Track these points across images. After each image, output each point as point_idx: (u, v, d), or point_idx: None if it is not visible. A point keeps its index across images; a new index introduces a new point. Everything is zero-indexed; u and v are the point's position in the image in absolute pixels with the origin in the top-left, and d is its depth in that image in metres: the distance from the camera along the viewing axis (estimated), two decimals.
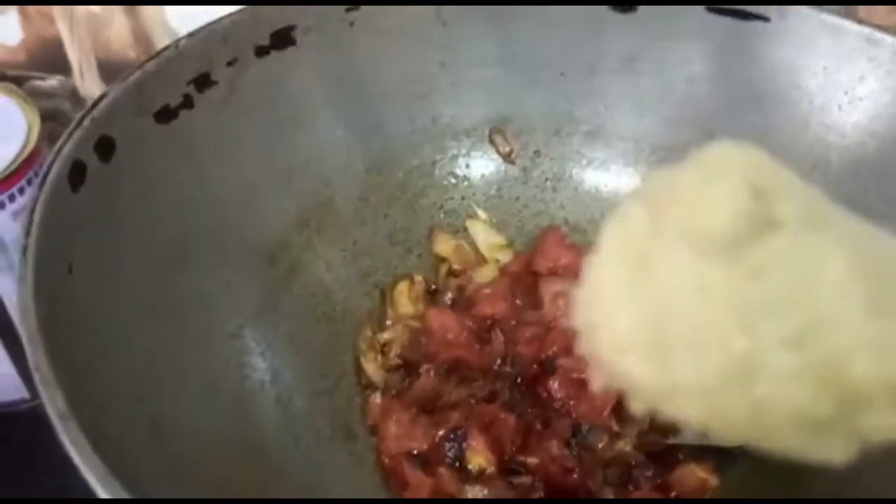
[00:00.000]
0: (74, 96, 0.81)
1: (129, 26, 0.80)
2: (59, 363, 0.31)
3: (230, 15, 0.52)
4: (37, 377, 0.30)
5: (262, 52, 0.53)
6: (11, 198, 0.51)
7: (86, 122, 0.41)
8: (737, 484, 0.48)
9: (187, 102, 0.49)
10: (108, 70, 0.80)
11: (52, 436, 0.60)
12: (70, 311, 0.36)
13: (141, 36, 0.80)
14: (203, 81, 0.50)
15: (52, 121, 0.57)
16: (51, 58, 0.80)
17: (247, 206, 0.52)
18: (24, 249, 0.34)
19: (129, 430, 0.31)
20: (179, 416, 0.39)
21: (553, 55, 0.60)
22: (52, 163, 0.39)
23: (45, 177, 0.38)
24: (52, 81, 0.82)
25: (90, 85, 0.82)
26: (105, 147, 0.42)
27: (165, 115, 0.47)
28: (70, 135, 0.40)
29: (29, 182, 0.52)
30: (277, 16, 0.53)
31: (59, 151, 0.39)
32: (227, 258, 0.50)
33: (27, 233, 0.35)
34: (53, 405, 0.30)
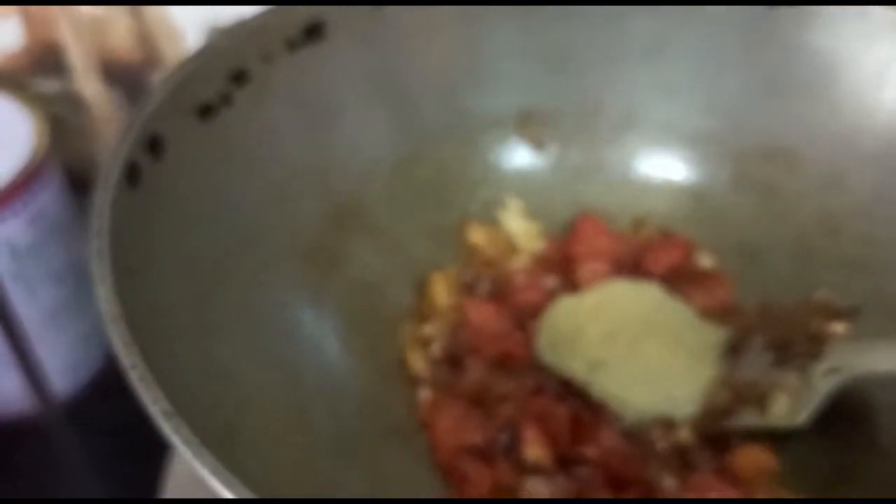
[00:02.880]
0: (77, 100, 0.80)
1: (132, 29, 0.78)
2: (150, 365, 0.30)
3: (261, 12, 0.51)
4: (134, 376, 0.29)
5: (294, 46, 0.52)
6: (24, 204, 0.51)
7: (137, 121, 0.40)
8: (794, 463, 0.48)
9: (226, 99, 0.48)
10: (111, 74, 0.79)
11: (63, 449, 0.59)
12: (140, 316, 0.35)
13: (145, 39, 0.79)
14: (240, 77, 0.49)
15: (54, 125, 0.56)
16: (52, 62, 0.78)
17: (282, 205, 0.52)
18: (99, 252, 0.33)
19: (210, 437, 0.30)
20: (247, 423, 0.38)
21: (579, 44, 0.60)
22: (110, 164, 0.38)
23: (107, 178, 0.37)
24: (54, 85, 0.80)
25: (92, 89, 0.81)
26: (156, 145, 0.42)
27: (207, 112, 0.47)
28: (125, 134, 0.39)
29: (40, 188, 0.52)
30: (307, 12, 0.53)
31: (115, 153, 0.38)
32: (266, 259, 0.49)
33: (99, 234, 0.34)
34: (156, 403, 0.29)
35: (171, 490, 0.51)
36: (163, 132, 0.42)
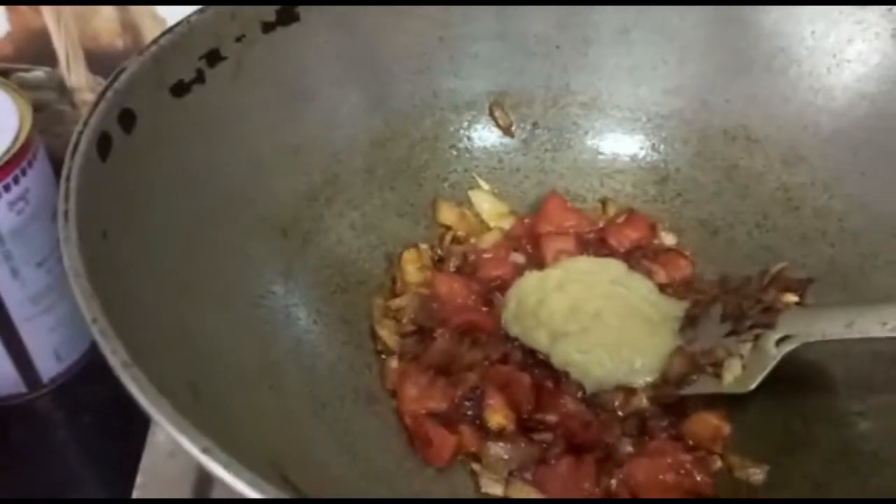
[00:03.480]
0: (61, 87, 0.81)
1: (116, 16, 0.79)
2: (111, 319, 0.32)
3: None
4: (95, 330, 0.31)
5: (268, 27, 0.53)
6: (7, 188, 0.51)
7: (108, 94, 0.42)
8: (747, 429, 0.49)
9: (199, 77, 0.49)
10: (96, 61, 0.80)
11: (48, 431, 0.60)
12: (107, 276, 0.36)
13: (129, 25, 0.80)
14: (214, 56, 0.50)
15: (38, 112, 0.57)
16: (37, 49, 0.79)
17: (258, 180, 0.53)
18: (66, 213, 0.35)
19: (172, 393, 0.32)
20: (214, 384, 0.40)
21: (548, 28, 0.61)
22: (80, 133, 0.39)
23: (76, 146, 0.38)
24: (39, 73, 0.81)
25: (77, 76, 0.82)
26: (127, 119, 0.43)
27: (180, 89, 0.48)
28: (95, 106, 0.41)
29: (23, 172, 0.52)
30: None
31: (86, 122, 0.40)
32: (243, 231, 0.51)
33: (66, 197, 0.36)
34: (116, 355, 0.30)
35: (147, 462, 0.52)
36: (134, 107, 0.44)
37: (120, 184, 0.42)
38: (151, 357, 0.33)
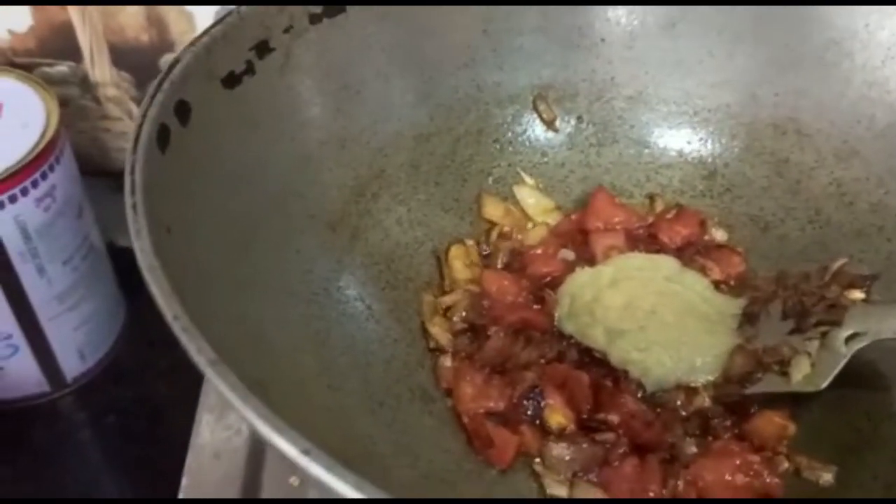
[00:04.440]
0: (85, 83, 0.80)
1: (142, 10, 0.78)
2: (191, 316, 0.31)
3: None
4: (177, 327, 0.29)
5: (315, 19, 0.52)
6: (34, 184, 0.50)
7: (165, 86, 0.41)
8: (812, 429, 0.48)
9: (250, 68, 0.48)
10: (120, 55, 0.79)
11: (71, 431, 0.59)
12: (176, 271, 0.35)
13: (155, 20, 0.79)
14: (263, 48, 0.49)
15: (62, 107, 0.56)
16: (61, 44, 0.78)
17: (307, 174, 0.52)
18: (134, 206, 0.33)
19: (247, 391, 0.31)
20: (279, 382, 0.39)
21: (592, 21, 0.60)
22: (140, 125, 0.38)
23: (137, 139, 0.37)
24: (62, 68, 0.80)
25: (101, 71, 0.80)
26: (183, 111, 0.42)
27: (231, 80, 0.47)
28: (153, 98, 0.40)
29: (51, 168, 0.51)
30: None
31: (145, 115, 0.39)
32: (294, 226, 0.50)
33: (132, 191, 0.34)
34: (201, 354, 0.29)
35: (192, 463, 0.51)
36: (189, 98, 0.42)
37: (179, 177, 0.40)
38: (224, 356, 0.32)
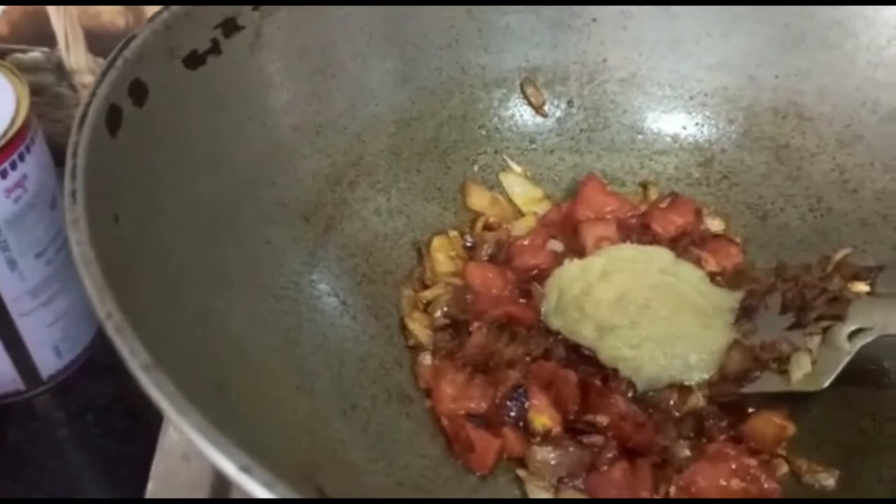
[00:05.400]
0: (60, 69, 0.77)
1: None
2: (128, 314, 0.28)
3: None
4: (109, 327, 0.26)
5: None
6: (3, 174, 0.48)
7: (118, 63, 0.38)
8: (813, 429, 0.46)
9: (215, 48, 0.46)
10: (96, 41, 0.76)
11: (48, 430, 0.57)
12: (120, 265, 0.32)
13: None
14: (229, 26, 0.46)
15: (36, 95, 0.53)
16: (35, 29, 0.75)
17: (279, 161, 0.49)
18: (73, 193, 0.30)
19: (200, 393, 0.28)
20: (241, 383, 0.36)
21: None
22: (88, 104, 0.35)
23: (83, 119, 0.34)
24: (36, 54, 0.77)
25: (77, 57, 0.78)
26: (138, 91, 0.39)
27: (194, 60, 0.44)
28: (103, 76, 0.37)
29: (21, 157, 0.49)
30: None
31: (94, 93, 0.36)
32: (264, 215, 0.47)
33: (73, 175, 0.31)
34: (135, 357, 0.26)
35: (159, 466, 0.49)
36: (146, 78, 0.40)
37: (132, 162, 0.38)
38: (174, 357, 0.29)
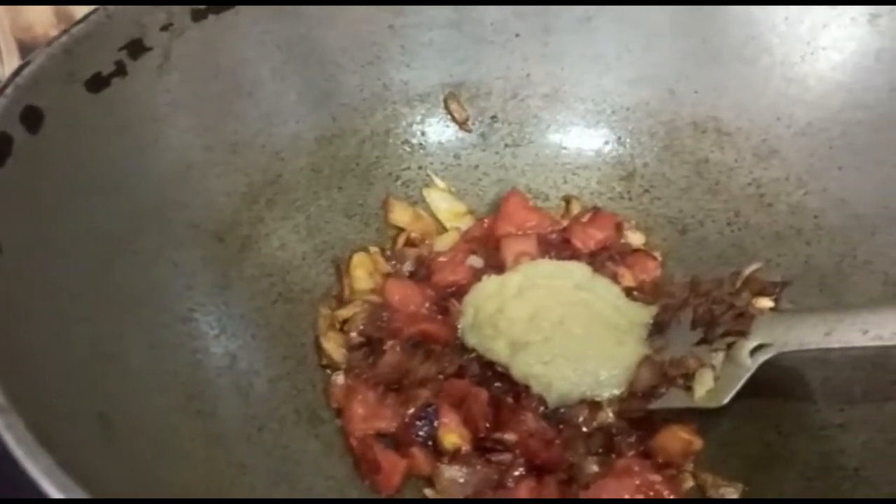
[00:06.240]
0: None
1: (50, 7, 0.75)
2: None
3: None
4: None
5: (199, 15, 0.49)
6: None
7: (9, 91, 0.37)
8: (721, 443, 0.46)
9: (120, 70, 0.45)
10: (30, 52, 0.75)
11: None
12: (2, 298, 0.32)
13: (64, 15, 0.75)
14: (136, 47, 0.46)
15: None
16: None
17: (190, 182, 0.49)
18: None
19: (76, 428, 0.28)
20: (130, 412, 0.36)
21: (506, 15, 0.57)
22: None
23: None
24: None
25: (11, 69, 0.77)
26: (32, 118, 0.39)
27: (96, 83, 0.44)
28: None
29: None
30: None
31: None
32: (172, 238, 0.47)
33: None
34: None
35: None
36: (41, 104, 0.39)
37: (22, 191, 0.37)
38: (49, 390, 0.29)
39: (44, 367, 0.31)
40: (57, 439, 0.27)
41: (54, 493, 0.23)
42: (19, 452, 0.24)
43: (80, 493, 0.23)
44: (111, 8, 0.45)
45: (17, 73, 0.39)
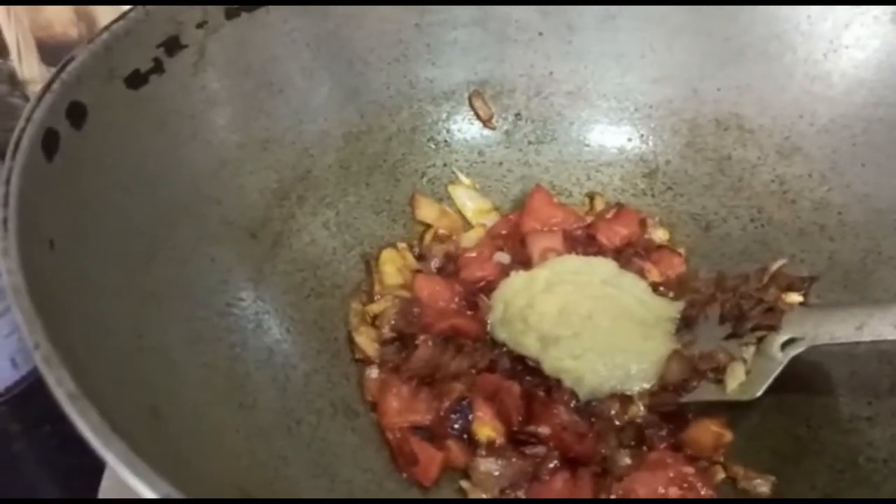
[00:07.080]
0: (12, 80, 0.77)
1: (70, 5, 0.75)
2: (57, 343, 0.28)
3: None
4: (37, 356, 0.27)
5: (232, 13, 0.49)
6: None
7: (55, 86, 0.38)
8: (750, 436, 0.47)
9: (157, 67, 0.46)
10: (49, 51, 0.76)
11: (5, 441, 0.56)
12: (54, 291, 0.32)
13: (83, 13, 0.76)
14: (173, 44, 0.47)
15: None
16: None
17: (224, 178, 0.49)
18: (4, 221, 0.31)
19: (131, 419, 0.28)
20: (179, 405, 0.36)
21: (530, 14, 0.58)
22: (23, 129, 0.35)
23: (18, 144, 0.34)
24: None
25: (29, 67, 0.77)
26: (77, 113, 0.39)
27: (136, 80, 0.44)
28: (40, 100, 0.37)
29: None
30: None
31: (29, 118, 0.36)
32: (207, 234, 0.47)
33: (5, 203, 0.32)
34: (61, 385, 0.26)
35: (108, 478, 0.49)
36: (84, 99, 0.40)
37: (69, 186, 0.38)
38: (104, 383, 0.29)
39: (98, 362, 0.31)
40: (120, 428, 0.27)
41: (129, 479, 0.24)
42: (95, 440, 0.25)
43: (154, 479, 0.24)
44: (150, 6, 0.45)
45: (61, 68, 0.39)
